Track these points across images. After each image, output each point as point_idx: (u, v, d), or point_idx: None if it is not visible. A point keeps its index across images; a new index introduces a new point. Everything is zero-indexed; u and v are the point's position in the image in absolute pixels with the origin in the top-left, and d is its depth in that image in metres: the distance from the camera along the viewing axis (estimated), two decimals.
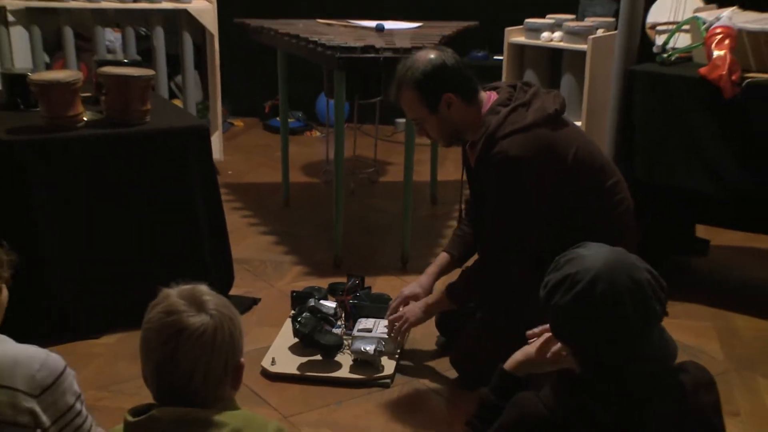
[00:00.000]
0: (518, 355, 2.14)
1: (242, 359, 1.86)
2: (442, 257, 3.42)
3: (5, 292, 2.20)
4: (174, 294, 1.82)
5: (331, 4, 5.25)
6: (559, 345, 2.07)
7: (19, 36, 5.36)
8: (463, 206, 3.54)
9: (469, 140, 3.16)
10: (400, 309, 3.30)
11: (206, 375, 1.80)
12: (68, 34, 5.27)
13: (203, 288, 1.85)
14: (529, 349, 2.14)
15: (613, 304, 1.91)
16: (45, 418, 2.09)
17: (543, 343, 2.12)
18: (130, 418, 1.80)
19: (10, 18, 5.12)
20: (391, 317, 3.31)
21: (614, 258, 1.98)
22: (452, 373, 3.29)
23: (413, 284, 3.39)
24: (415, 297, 3.31)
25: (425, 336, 3.42)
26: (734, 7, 3.84)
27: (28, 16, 5.09)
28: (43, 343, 2.21)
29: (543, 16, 4.81)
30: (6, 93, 3.79)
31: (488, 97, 3.17)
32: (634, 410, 1.96)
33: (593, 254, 1.99)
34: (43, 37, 5.19)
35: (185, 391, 1.79)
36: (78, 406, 2.15)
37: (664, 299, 1.98)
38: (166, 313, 1.79)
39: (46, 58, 5.27)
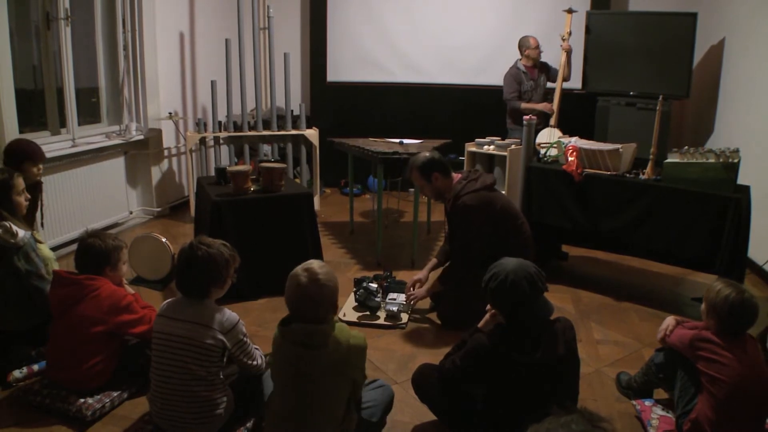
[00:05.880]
0: (482, 321, 2.13)
1: (338, 302, 1.91)
2: (433, 260, 3.42)
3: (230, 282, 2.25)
4: (300, 269, 1.87)
5: (375, 130, 5.28)
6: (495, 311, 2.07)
7: (224, 149, 5.53)
8: (443, 234, 3.55)
9: (447, 198, 3.17)
10: (412, 289, 3.30)
11: (317, 311, 1.83)
12: (246, 147, 5.34)
13: (317, 266, 1.86)
14: (486, 316, 2.13)
15: (516, 286, 1.94)
16: (229, 345, 2.12)
17: (491, 312, 2.11)
18: (281, 327, 1.85)
19: (221, 141, 5.23)
20: (407, 293, 3.30)
21: (518, 263, 2.02)
22: (437, 322, 3.27)
23: (418, 274, 3.36)
24: (419, 281, 3.31)
25: (424, 302, 3.37)
26: (576, 137, 3.91)
27: (228, 140, 5.16)
28: (226, 302, 2.22)
29: (485, 137, 4.80)
30: (216, 176, 3.83)
31: (456, 176, 3.19)
32: (533, 340, 1.96)
33: (507, 262, 2.03)
34: (234, 149, 5.25)
35: (306, 316, 1.83)
36: (245, 339, 2.17)
37: (545, 282, 2.00)
38: (297, 285, 1.83)
39: (235, 159, 5.35)
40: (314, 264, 1.86)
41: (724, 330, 2.10)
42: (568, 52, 4.97)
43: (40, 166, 3.12)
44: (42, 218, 3.46)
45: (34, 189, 3.11)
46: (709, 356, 2.08)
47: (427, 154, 3.18)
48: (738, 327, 2.10)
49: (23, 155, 3.02)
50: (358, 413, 2.00)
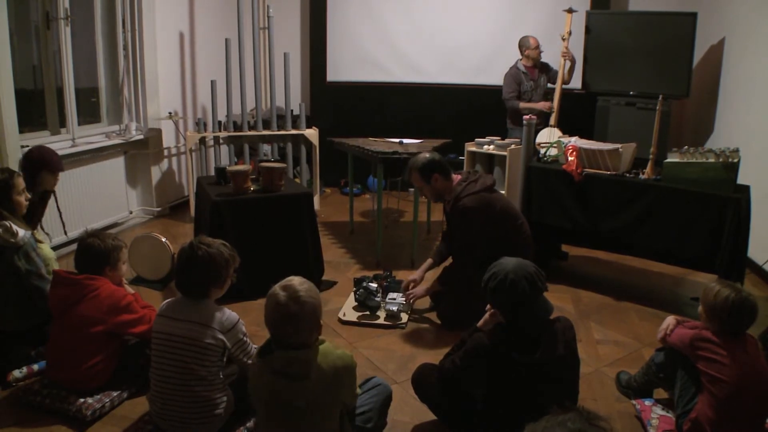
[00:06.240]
0: (481, 321, 2.11)
1: (321, 321, 1.79)
2: (428, 261, 3.40)
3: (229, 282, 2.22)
4: (278, 287, 1.75)
5: (375, 129, 5.28)
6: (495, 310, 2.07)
7: (224, 149, 5.55)
8: (440, 233, 3.55)
9: (447, 199, 3.17)
10: (409, 287, 3.30)
11: (299, 332, 1.73)
12: (246, 147, 5.35)
13: (297, 282, 1.75)
14: (486, 316, 2.11)
15: (515, 286, 1.94)
16: (229, 344, 2.12)
17: (491, 312, 2.10)
18: (261, 358, 1.74)
19: (221, 141, 5.24)
20: (406, 292, 3.30)
21: (517, 262, 2.02)
22: (437, 321, 3.27)
23: (413, 275, 3.37)
24: (414, 281, 3.31)
25: (424, 302, 3.38)
26: (576, 137, 3.92)
27: (228, 139, 5.15)
28: (227, 301, 2.22)
29: (485, 137, 4.80)
30: (216, 176, 3.83)
31: (456, 177, 3.19)
32: (533, 340, 1.96)
33: (506, 261, 2.03)
34: (234, 148, 5.24)
35: (287, 338, 1.74)
36: (245, 338, 2.17)
37: (545, 282, 2.00)
38: (275, 303, 1.73)
39: (235, 159, 5.36)
40: (294, 280, 1.77)
41: (725, 330, 2.10)
42: (572, 62, 4.98)
43: (58, 176, 3.12)
44: (64, 226, 3.48)
45: (45, 196, 3.11)
46: (709, 356, 2.08)
47: (427, 155, 3.17)
48: (739, 327, 2.10)
49: (42, 163, 3.02)
50: (352, 423, 1.95)
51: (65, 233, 3.58)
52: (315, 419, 1.76)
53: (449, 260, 3.32)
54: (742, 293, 2.09)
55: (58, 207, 3.26)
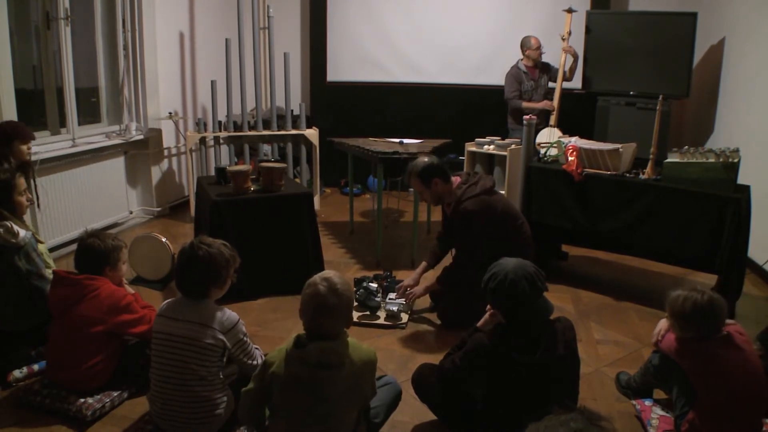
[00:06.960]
0: (482, 321, 2.11)
1: (353, 314, 1.85)
2: (423, 264, 3.41)
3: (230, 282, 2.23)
4: (318, 279, 1.80)
5: (375, 130, 5.27)
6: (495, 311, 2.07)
7: (224, 149, 5.55)
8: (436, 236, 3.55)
9: (447, 202, 3.17)
10: (408, 289, 3.31)
11: (333, 324, 1.78)
12: (246, 147, 5.36)
13: (334, 275, 1.81)
14: (486, 316, 2.11)
15: (515, 286, 1.94)
16: (229, 344, 2.12)
17: (491, 312, 2.09)
18: (294, 349, 1.77)
19: (221, 141, 5.24)
20: (406, 292, 3.30)
21: (517, 263, 2.02)
22: (437, 321, 3.27)
23: (407, 279, 3.37)
24: (410, 286, 3.32)
25: (424, 302, 3.38)
26: (576, 137, 3.92)
27: (228, 139, 5.16)
28: (227, 301, 2.21)
29: (485, 137, 4.80)
30: (216, 176, 3.84)
31: (456, 179, 3.18)
32: (533, 340, 1.96)
33: (506, 262, 2.04)
34: (234, 148, 5.24)
35: (322, 329, 1.78)
36: (245, 338, 2.17)
37: (545, 282, 2.00)
38: (315, 294, 1.77)
39: (235, 159, 5.35)
40: (331, 273, 1.82)
41: (702, 335, 2.08)
42: (575, 57, 4.98)
43: (30, 145, 3.11)
44: (38, 200, 3.47)
45: (25, 169, 3.10)
46: (698, 360, 2.07)
47: (426, 159, 3.17)
48: (716, 327, 2.07)
49: (13, 134, 3.01)
50: (366, 416, 1.97)
51: (38, 206, 3.57)
52: (339, 411, 1.79)
53: (448, 260, 3.32)
54: (706, 294, 2.06)
55: (34, 179, 3.24)
